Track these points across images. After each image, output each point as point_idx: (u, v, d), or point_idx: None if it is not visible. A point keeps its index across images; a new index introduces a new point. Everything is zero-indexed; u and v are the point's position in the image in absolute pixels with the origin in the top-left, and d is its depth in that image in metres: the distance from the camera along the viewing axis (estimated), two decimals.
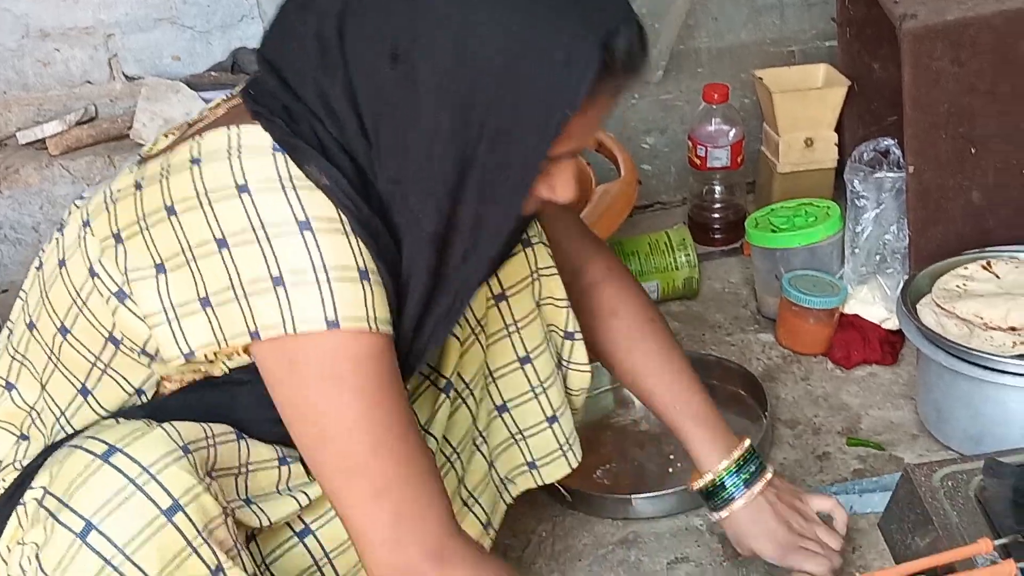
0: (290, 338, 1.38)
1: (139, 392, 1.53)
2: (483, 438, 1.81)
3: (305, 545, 1.61)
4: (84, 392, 1.53)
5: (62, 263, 1.51)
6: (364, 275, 1.40)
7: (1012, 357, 2.15)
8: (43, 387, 1.54)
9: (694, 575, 2.10)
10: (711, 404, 1.92)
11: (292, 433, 1.45)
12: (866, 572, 1.82)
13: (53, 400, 1.54)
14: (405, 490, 1.44)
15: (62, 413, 1.54)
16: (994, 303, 2.24)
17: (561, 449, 1.86)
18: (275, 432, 1.51)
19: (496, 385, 1.80)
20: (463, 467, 1.77)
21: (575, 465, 1.90)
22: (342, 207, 1.40)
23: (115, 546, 1.35)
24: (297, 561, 1.60)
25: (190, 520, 1.37)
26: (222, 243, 1.39)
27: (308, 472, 1.56)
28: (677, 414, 1.88)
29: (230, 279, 1.39)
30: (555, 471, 1.89)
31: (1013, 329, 2.20)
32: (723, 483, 1.87)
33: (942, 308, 2.27)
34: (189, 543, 1.37)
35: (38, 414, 1.55)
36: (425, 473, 1.47)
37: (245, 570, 1.44)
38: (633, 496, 2.23)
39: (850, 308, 2.60)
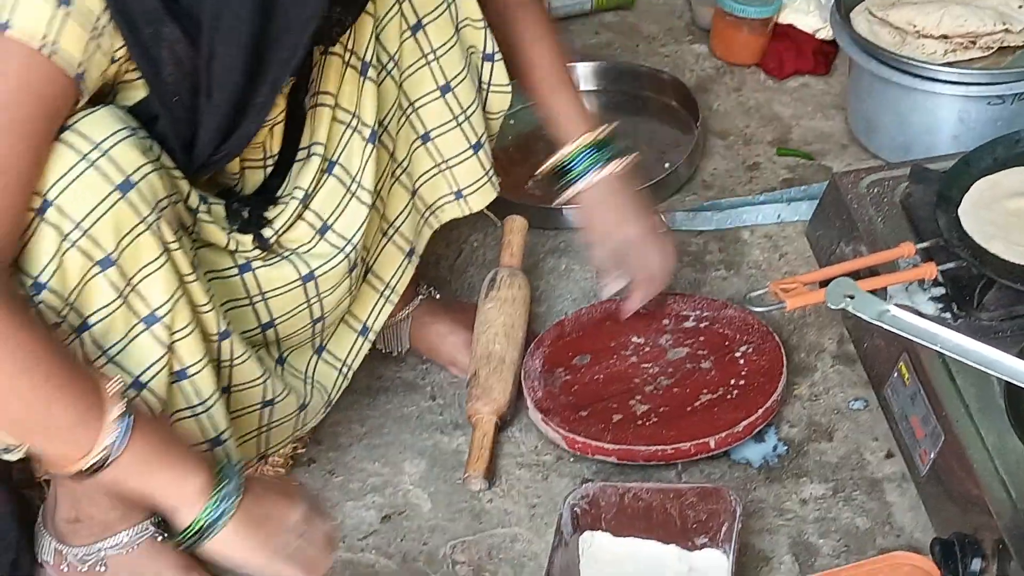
0: None
1: None
2: (404, 169, 1.79)
3: (243, 280, 1.63)
4: None
5: None
6: (65, 1, 1.30)
7: (942, 65, 2.15)
8: None
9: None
10: (580, 99, 1.92)
11: None
12: (791, 277, 1.85)
13: None
14: None
15: None
16: (927, 10, 2.22)
17: (487, 175, 1.86)
18: None
19: (418, 114, 1.78)
20: (383, 201, 1.77)
21: (498, 191, 1.90)
22: None
23: (72, 221, 1.35)
24: (231, 289, 1.62)
25: (142, 196, 1.38)
26: None
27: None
28: (549, 91, 1.87)
29: None
30: (481, 199, 1.89)
31: (945, 37, 2.20)
32: (570, 165, 1.87)
33: (876, 16, 2.25)
34: (144, 219, 1.38)
35: None
36: None
37: (186, 254, 1.45)
38: (564, 206, 2.24)
39: (785, 18, 2.58)
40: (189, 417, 1.51)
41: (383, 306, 1.81)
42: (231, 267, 1.60)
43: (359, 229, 1.66)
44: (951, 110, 2.16)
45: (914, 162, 1.97)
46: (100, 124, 1.37)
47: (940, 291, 1.77)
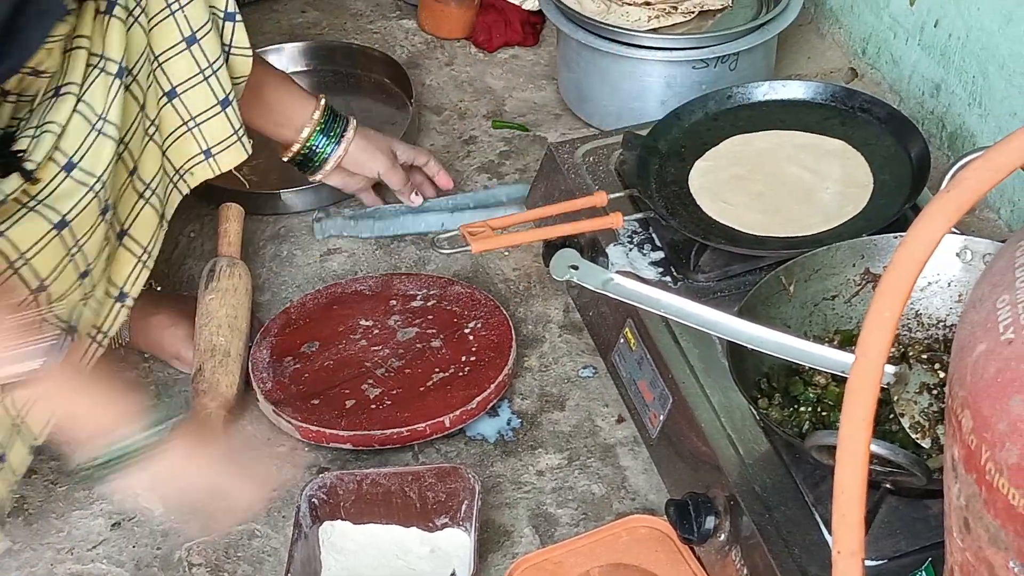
0: None
1: None
2: (156, 127, 1.74)
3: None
4: None
5: None
6: None
7: (647, 32, 2.19)
8: None
9: (347, 265, 2.11)
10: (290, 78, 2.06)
11: None
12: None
13: None
14: None
15: None
16: None
17: (236, 133, 1.81)
18: None
19: (163, 69, 1.72)
20: (133, 158, 1.71)
21: (249, 151, 1.85)
22: None
23: None
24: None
25: None
26: None
27: None
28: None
29: None
30: (231, 157, 1.83)
31: (648, 4, 2.24)
32: (313, 148, 2.03)
33: None
34: None
35: None
36: None
37: None
38: (282, 191, 2.20)
39: None
40: None
41: (140, 271, 1.75)
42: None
43: (107, 166, 1.60)
44: (658, 76, 2.20)
45: (626, 129, 2.01)
46: None
47: (659, 255, 1.80)
